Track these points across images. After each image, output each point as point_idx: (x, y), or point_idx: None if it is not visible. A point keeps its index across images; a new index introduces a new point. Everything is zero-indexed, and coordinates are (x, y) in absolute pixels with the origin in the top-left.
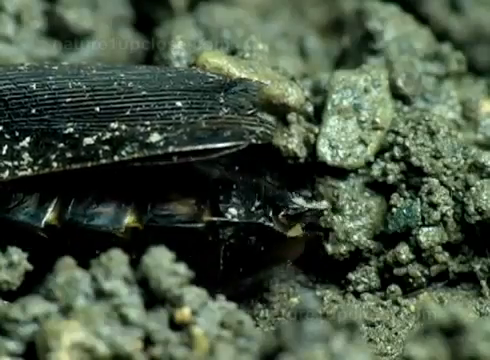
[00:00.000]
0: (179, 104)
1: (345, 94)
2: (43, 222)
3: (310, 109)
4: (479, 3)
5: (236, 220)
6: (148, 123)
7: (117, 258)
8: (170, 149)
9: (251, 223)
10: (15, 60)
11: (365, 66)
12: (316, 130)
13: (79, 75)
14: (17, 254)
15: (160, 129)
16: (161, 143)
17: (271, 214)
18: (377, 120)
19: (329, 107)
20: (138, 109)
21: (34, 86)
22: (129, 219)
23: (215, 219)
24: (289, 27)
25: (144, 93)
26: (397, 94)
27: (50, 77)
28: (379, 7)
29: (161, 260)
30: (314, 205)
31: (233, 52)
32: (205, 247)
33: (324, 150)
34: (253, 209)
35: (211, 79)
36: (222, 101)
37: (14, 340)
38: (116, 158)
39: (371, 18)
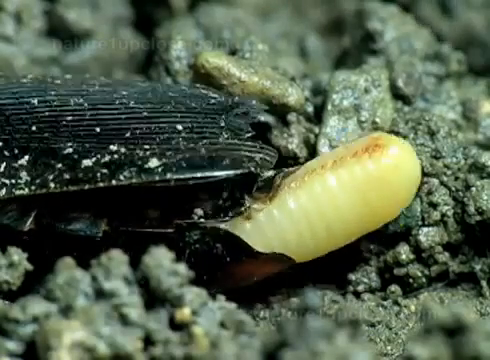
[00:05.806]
0: (179, 127)
1: (345, 94)
2: (26, 226)
3: (310, 109)
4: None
5: (202, 221)
6: (147, 147)
7: (117, 258)
8: (168, 176)
9: (218, 227)
10: (15, 60)
11: (365, 66)
12: (316, 130)
13: (81, 92)
14: (17, 254)
15: (159, 154)
16: (159, 169)
17: (245, 195)
18: (377, 120)
19: (329, 107)
20: (138, 131)
21: (36, 102)
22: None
23: (180, 222)
24: (289, 27)
25: (145, 114)
26: (397, 94)
27: (52, 92)
28: (379, 7)
29: (161, 260)
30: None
31: (233, 52)
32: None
33: (324, 150)
34: (221, 202)
35: (213, 100)
36: (223, 125)
37: (14, 340)
38: (114, 182)
39: (371, 18)
